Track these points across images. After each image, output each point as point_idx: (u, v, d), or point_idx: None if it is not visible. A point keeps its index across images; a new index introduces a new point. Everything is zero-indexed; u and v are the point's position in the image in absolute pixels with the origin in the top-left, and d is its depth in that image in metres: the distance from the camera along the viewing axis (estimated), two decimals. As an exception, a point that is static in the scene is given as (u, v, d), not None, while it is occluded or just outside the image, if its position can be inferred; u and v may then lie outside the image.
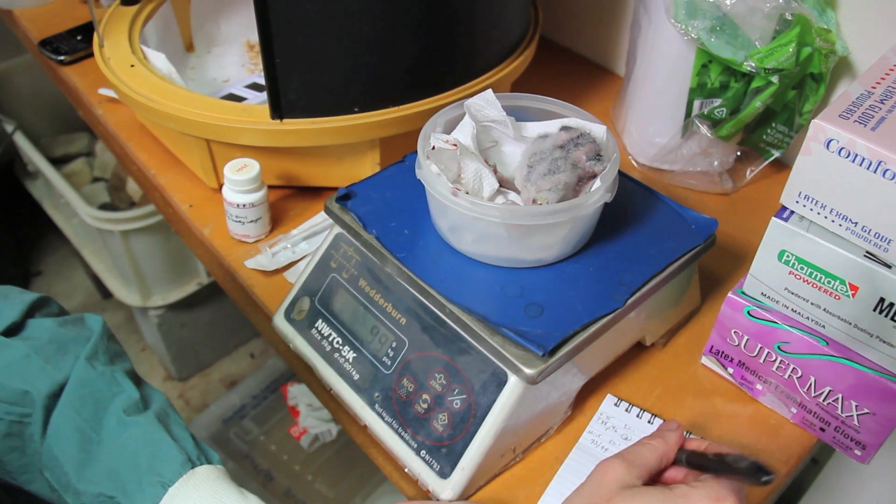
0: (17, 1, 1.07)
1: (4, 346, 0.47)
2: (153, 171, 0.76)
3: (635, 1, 0.72)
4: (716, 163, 0.71)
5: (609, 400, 0.54)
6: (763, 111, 0.67)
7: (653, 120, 0.72)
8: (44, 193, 1.53)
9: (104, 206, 1.40)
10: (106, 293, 1.67)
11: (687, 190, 0.73)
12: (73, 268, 1.75)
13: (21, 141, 1.41)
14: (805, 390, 0.52)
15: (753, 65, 0.63)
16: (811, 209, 0.46)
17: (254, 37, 0.90)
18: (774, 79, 0.63)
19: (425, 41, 0.63)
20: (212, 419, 1.20)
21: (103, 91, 0.87)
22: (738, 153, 0.73)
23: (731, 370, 0.56)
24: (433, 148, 0.50)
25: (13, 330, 0.48)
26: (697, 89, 0.67)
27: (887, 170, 0.42)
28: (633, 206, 0.55)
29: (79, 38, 0.97)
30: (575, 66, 0.91)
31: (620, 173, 0.55)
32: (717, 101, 0.67)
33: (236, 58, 0.89)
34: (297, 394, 1.21)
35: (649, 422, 0.53)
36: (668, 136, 0.71)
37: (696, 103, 0.68)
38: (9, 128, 1.43)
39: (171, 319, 1.36)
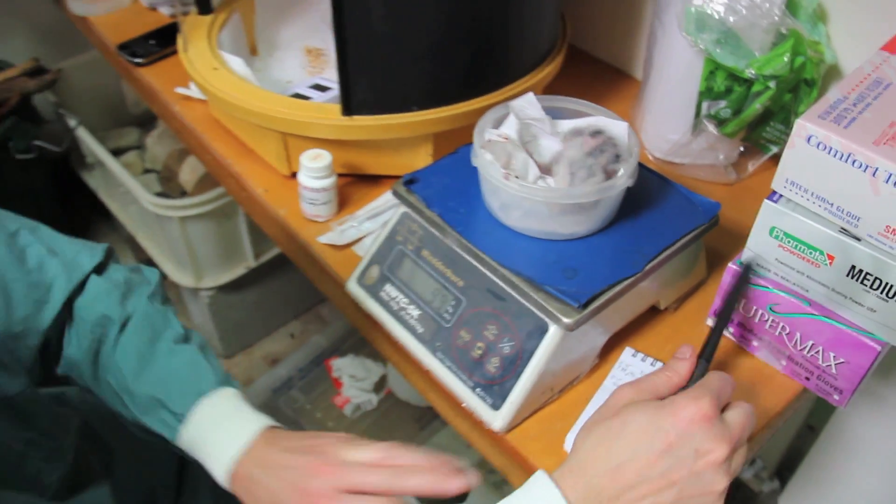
0: (92, 8, 1.18)
1: (94, 281, 0.62)
2: (229, 160, 0.87)
3: (652, 15, 0.82)
4: (721, 157, 0.82)
5: (628, 351, 0.65)
6: (762, 112, 0.77)
7: (666, 119, 0.83)
8: (100, 183, 1.65)
9: (157, 195, 1.52)
10: (154, 277, 1.79)
11: (696, 180, 0.83)
12: (122, 253, 1.87)
13: (83, 134, 1.53)
14: (792, 345, 0.62)
15: (753, 72, 0.73)
16: (796, 192, 0.57)
17: (311, 42, 1.01)
18: (772, 84, 0.74)
19: (474, 50, 0.74)
20: (262, 389, 1.32)
21: (179, 90, 0.98)
22: (742, 149, 0.83)
23: (731, 329, 0.67)
24: (488, 140, 0.61)
25: (98, 269, 0.63)
26: (705, 92, 0.78)
27: (856, 160, 0.52)
28: (650, 191, 0.66)
29: (152, 42, 1.08)
30: (598, 70, 1.02)
31: (639, 164, 0.66)
32: (723, 103, 0.77)
33: (297, 61, 1.00)
34: (341, 366, 1.33)
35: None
36: (679, 133, 0.82)
37: (705, 104, 0.79)
38: (72, 123, 1.55)
39: (219, 300, 1.48)
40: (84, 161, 1.67)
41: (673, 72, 0.80)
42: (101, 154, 1.48)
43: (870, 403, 0.93)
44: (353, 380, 1.30)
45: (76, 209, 1.85)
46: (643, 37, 0.94)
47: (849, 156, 0.53)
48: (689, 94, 0.79)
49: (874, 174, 0.52)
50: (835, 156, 0.53)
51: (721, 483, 0.46)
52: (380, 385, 1.35)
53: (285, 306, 1.63)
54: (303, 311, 1.68)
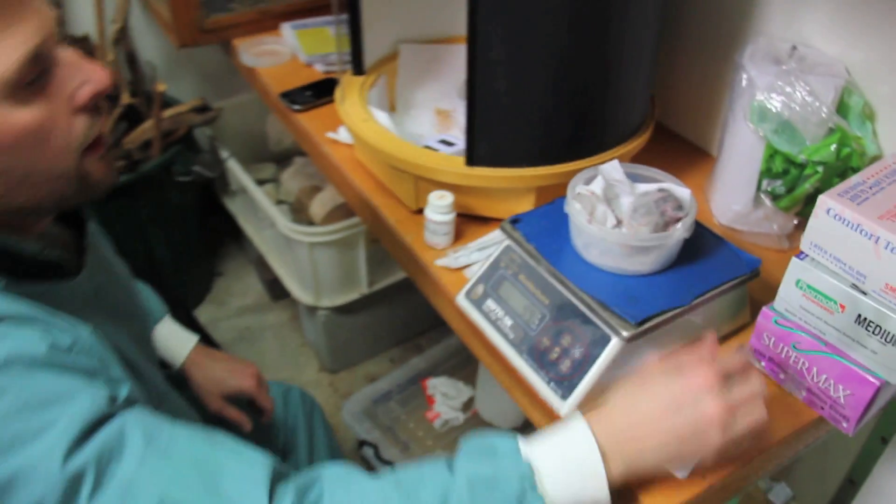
0: (260, 61, 1.43)
1: None
2: (368, 195, 1.08)
3: (727, 104, 0.99)
4: (776, 227, 0.97)
5: (677, 371, 0.81)
6: (812, 191, 0.92)
7: (732, 192, 0.99)
8: (239, 208, 1.91)
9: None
10: (275, 295, 2.03)
11: (754, 245, 0.98)
12: (249, 273, 2.12)
13: (233, 165, 1.79)
14: (810, 378, 0.77)
15: (805, 158, 0.89)
16: (818, 253, 0.72)
17: (441, 105, 1.22)
18: (820, 169, 0.89)
19: (576, 122, 0.92)
20: (365, 398, 1.51)
21: (330, 135, 1.20)
22: (795, 222, 0.98)
23: (762, 363, 0.81)
24: (578, 194, 0.79)
25: None
26: (765, 172, 0.94)
27: (863, 230, 0.68)
28: (705, 245, 0.83)
29: (308, 93, 1.31)
30: (680, 146, 1.18)
31: (700, 224, 0.82)
32: (779, 182, 0.93)
33: (427, 119, 1.20)
34: (435, 385, 1.51)
35: (703, 388, 0.79)
36: (742, 205, 0.98)
37: (764, 182, 0.95)
38: (224, 154, 1.82)
39: (333, 320, 1.69)
40: (227, 188, 1.94)
41: (739, 153, 0.96)
42: (246, 182, 1.73)
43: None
44: (445, 398, 1.48)
45: (214, 229, 2.12)
46: (719, 121, 1.11)
47: (858, 226, 0.68)
48: (751, 173, 0.95)
49: (877, 242, 0.67)
50: (847, 226, 0.69)
51: (716, 438, 0.62)
52: (467, 405, 1.53)
53: (389, 333, 1.83)
54: (404, 340, 1.88)
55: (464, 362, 1.65)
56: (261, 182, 1.94)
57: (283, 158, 2.04)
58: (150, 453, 0.55)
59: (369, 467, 1.49)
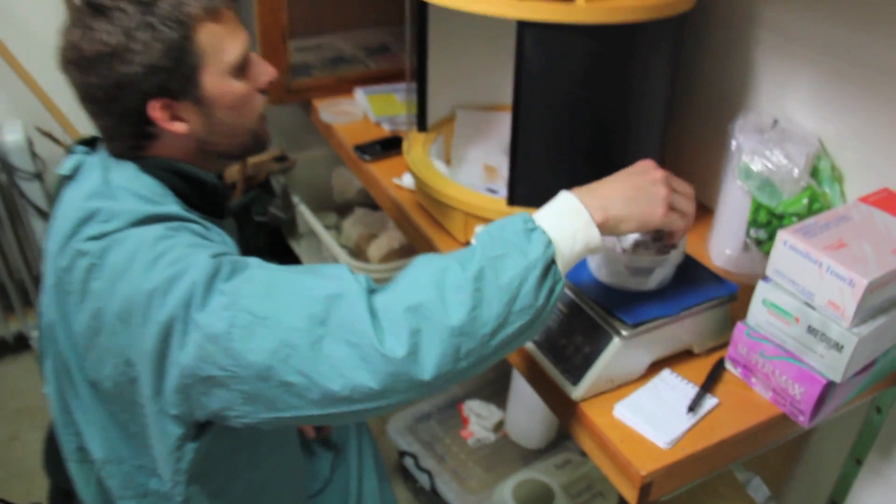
0: (336, 119, 1.69)
1: None
2: (424, 228, 1.31)
3: (722, 168, 1.20)
4: (759, 268, 1.16)
5: (667, 370, 1.00)
6: (790, 239, 1.12)
7: (725, 238, 1.19)
8: (304, 250, 2.15)
9: (350, 263, 1.98)
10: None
11: (742, 283, 1.18)
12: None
13: (303, 209, 2.04)
14: (774, 380, 0.95)
15: (782, 210, 1.09)
16: (778, 277, 0.92)
17: (489, 161, 1.45)
18: (795, 219, 1.09)
19: (598, 173, 1.14)
20: (408, 417, 1.72)
21: (395, 180, 1.44)
22: (779, 265, 1.17)
23: (739, 370, 1.00)
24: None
25: None
26: (752, 222, 1.14)
27: (811, 257, 0.87)
28: (696, 274, 1.03)
29: (377, 147, 1.56)
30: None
31: (692, 258, 1.03)
32: (763, 230, 1.13)
33: (477, 172, 1.43)
34: (471, 407, 1.71)
35: (689, 384, 0.98)
36: (733, 249, 1.18)
37: (751, 230, 1.15)
38: (295, 199, 2.08)
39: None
40: (296, 231, 2.19)
41: (731, 206, 1.17)
42: (314, 225, 1.98)
43: (875, 481, 1.21)
44: (479, 418, 1.67)
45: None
46: (718, 180, 1.32)
47: (807, 254, 0.88)
48: (741, 222, 1.15)
49: (820, 266, 0.87)
50: (799, 254, 0.89)
51: (661, 202, 0.87)
52: (498, 426, 1.72)
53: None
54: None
55: (497, 390, 1.85)
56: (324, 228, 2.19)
57: (343, 209, 2.29)
58: (264, 265, 0.84)
59: (409, 475, 1.68)
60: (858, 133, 1.09)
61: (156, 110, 0.90)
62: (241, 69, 0.95)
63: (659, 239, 0.98)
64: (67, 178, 0.97)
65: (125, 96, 0.89)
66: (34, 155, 2.07)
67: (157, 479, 0.97)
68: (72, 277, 0.87)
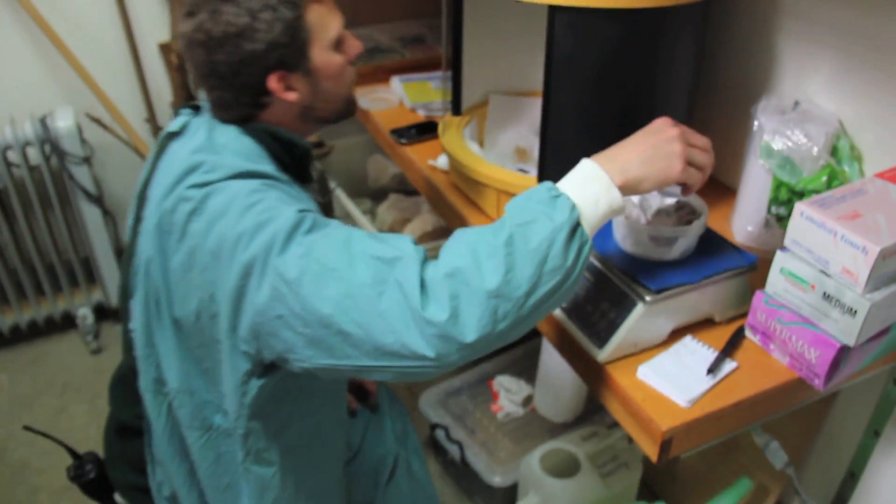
0: (374, 105, 1.76)
1: None
2: (458, 206, 1.37)
3: (746, 149, 1.25)
4: (781, 244, 1.21)
5: (689, 337, 1.05)
6: (810, 215, 1.17)
7: (748, 215, 1.24)
8: (340, 234, 2.22)
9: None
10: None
11: (763, 258, 1.23)
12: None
13: (340, 194, 2.12)
14: (791, 345, 1.00)
15: (802, 187, 1.14)
16: (796, 246, 0.97)
17: (520, 143, 1.51)
18: (814, 196, 1.14)
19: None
20: (440, 391, 1.78)
21: (431, 161, 1.50)
22: (799, 241, 1.22)
23: (758, 337, 1.05)
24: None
25: None
26: (773, 199, 1.19)
27: (826, 227, 0.92)
28: (717, 246, 1.08)
29: (412, 131, 1.63)
30: (710, 182, 1.44)
31: (713, 231, 1.08)
32: (783, 208, 1.18)
33: (509, 154, 1.49)
34: (501, 382, 1.77)
35: (709, 350, 1.03)
36: (755, 226, 1.23)
37: (773, 207, 1.20)
38: (332, 184, 2.15)
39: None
40: (332, 214, 2.26)
41: (753, 184, 1.22)
42: (350, 208, 2.05)
43: (893, 452, 1.25)
44: (508, 393, 1.73)
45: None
46: (741, 162, 1.36)
47: (823, 224, 0.93)
48: (762, 200, 1.20)
49: (835, 235, 0.92)
50: (815, 224, 0.94)
51: (678, 148, 0.91)
52: (527, 401, 1.77)
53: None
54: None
55: (527, 366, 1.90)
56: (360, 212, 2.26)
57: (378, 195, 2.36)
58: (341, 225, 0.94)
59: (440, 447, 1.74)
60: (876, 114, 1.14)
61: (273, 82, 1.03)
62: (338, 43, 1.07)
63: (681, 208, 1.03)
64: (174, 135, 1.08)
65: (248, 71, 1.01)
66: (83, 140, 2.17)
67: (221, 414, 1.07)
68: (174, 219, 0.98)
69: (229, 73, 1.01)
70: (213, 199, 0.95)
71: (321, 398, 1.16)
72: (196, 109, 1.12)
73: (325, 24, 1.04)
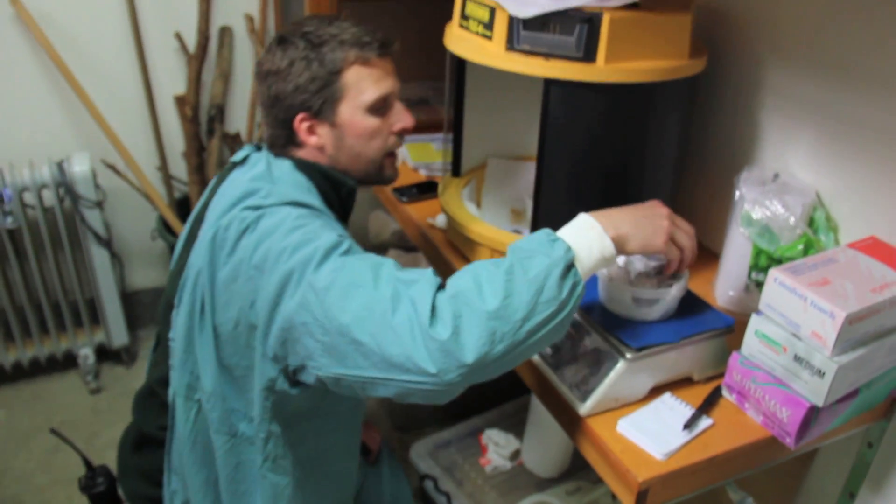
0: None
1: None
2: (455, 264, 1.43)
3: (730, 215, 1.32)
4: (761, 308, 1.27)
5: (668, 394, 1.10)
6: (788, 282, 1.22)
7: (729, 280, 1.30)
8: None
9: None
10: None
11: (743, 321, 1.28)
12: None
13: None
14: (765, 404, 1.05)
15: (780, 255, 1.20)
16: (769, 311, 1.03)
17: (516, 206, 1.58)
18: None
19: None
20: (430, 443, 1.82)
21: (429, 220, 1.57)
22: (778, 307, 1.28)
23: (733, 396, 1.10)
24: (604, 258, 1.12)
25: None
26: (753, 266, 1.25)
27: (797, 292, 0.98)
28: (697, 308, 1.13)
29: (413, 190, 1.70)
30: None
31: (694, 294, 1.14)
32: (763, 274, 1.24)
33: (505, 215, 1.56)
34: (490, 435, 1.81)
35: (687, 407, 1.08)
36: (736, 291, 1.28)
37: (753, 273, 1.26)
38: (335, 238, 2.21)
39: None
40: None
41: (735, 251, 1.28)
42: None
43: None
44: (496, 447, 1.77)
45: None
46: (724, 229, 1.43)
47: (794, 289, 0.99)
48: (743, 266, 1.26)
49: (805, 300, 0.97)
50: (788, 289, 1.00)
51: (665, 223, 1.02)
52: (515, 455, 1.81)
53: (457, 403, 2.13)
54: (469, 413, 2.18)
55: (515, 422, 1.94)
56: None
57: (378, 250, 2.42)
58: (377, 256, 1.02)
59: (428, 498, 1.77)
60: (852, 186, 1.21)
61: (297, 122, 1.16)
62: (377, 109, 1.17)
63: (661, 272, 1.09)
64: (236, 164, 1.22)
65: (279, 106, 1.15)
66: (97, 185, 2.25)
67: (247, 422, 1.15)
68: (227, 234, 1.08)
69: (268, 104, 1.17)
70: (265, 221, 1.05)
71: (337, 423, 1.24)
72: (258, 148, 1.25)
73: (362, 87, 1.15)
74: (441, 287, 0.96)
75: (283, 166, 1.17)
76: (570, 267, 0.95)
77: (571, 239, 0.98)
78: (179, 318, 1.18)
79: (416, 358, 0.90)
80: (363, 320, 0.92)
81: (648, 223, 1.02)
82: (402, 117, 1.21)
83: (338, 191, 1.20)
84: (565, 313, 0.95)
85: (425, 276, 0.96)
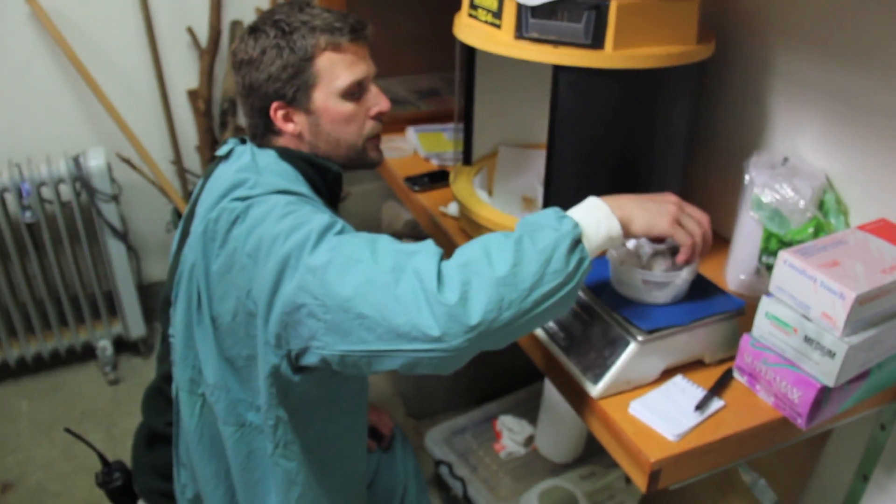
0: (390, 154, 1.85)
1: None
2: (466, 250, 1.44)
3: (740, 199, 1.32)
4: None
5: (680, 376, 1.11)
6: (798, 265, 1.23)
7: (740, 264, 1.31)
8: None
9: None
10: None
11: (754, 305, 1.29)
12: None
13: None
14: (776, 385, 1.06)
15: (790, 238, 1.21)
16: (779, 293, 1.04)
17: (527, 193, 1.59)
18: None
19: (621, 202, 1.27)
20: (445, 429, 1.84)
21: (441, 208, 1.58)
22: (789, 290, 1.28)
23: (745, 378, 1.11)
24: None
25: None
26: (764, 249, 1.26)
27: (807, 273, 0.99)
28: (708, 291, 1.14)
29: (425, 179, 1.71)
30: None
31: (704, 277, 1.15)
32: (773, 257, 1.24)
33: (516, 202, 1.57)
34: (504, 422, 1.83)
35: (698, 389, 1.09)
36: (747, 275, 1.29)
37: (763, 257, 1.26)
38: (348, 229, 2.23)
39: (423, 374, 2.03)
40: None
41: (745, 235, 1.28)
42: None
43: (881, 496, 1.29)
44: (511, 433, 1.78)
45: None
46: (735, 213, 1.43)
47: (804, 271, 0.99)
48: (753, 250, 1.27)
49: (815, 281, 0.98)
50: (797, 271, 1.00)
51: (671, 208, 1.03)
52: (529, 441, 1.82)
53: (471, 389, 2.15)
54: (483, 399, 2.20)
55: (529, 408, 1.96)
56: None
57: (392, 239, 2.44)
58: (370, 234, 1.02)
59: (443, 483, 1.79)
60: (861, 170, 1.21)
61: (273, 110, 1.17)
62: (351, 94, 1.19)
63: (673, 255, 1.10)
64: (222, 158, 1.22)
65: (254, 95, 1.17)
66: (112, 179, 2.27)
67: (254, 411, 1.16)
68: (218, 227, 1.08)
69: (244, 93, 1.19)
70: (254, 210, 1.06)
71: (344, 408, 1.25)
72: (242, 141, 1.25)
73: (335, 73, 1.16)
74: (444, 257, 0.97)
75: (268, 156, 1.17)
76: (577, 242, 0.96)
77: (579, 217, 0.99)
78: (177, 314, 1.19)
79: (422, 325, 0.90)
80: (366, 294, 0.92)
81: (654, 206, 1.03)
82: (377, 100, 1.23)
83: (324, 177, 1.21)
84: (571, 286, 0.96)
85: (426, 246, 0.97)
